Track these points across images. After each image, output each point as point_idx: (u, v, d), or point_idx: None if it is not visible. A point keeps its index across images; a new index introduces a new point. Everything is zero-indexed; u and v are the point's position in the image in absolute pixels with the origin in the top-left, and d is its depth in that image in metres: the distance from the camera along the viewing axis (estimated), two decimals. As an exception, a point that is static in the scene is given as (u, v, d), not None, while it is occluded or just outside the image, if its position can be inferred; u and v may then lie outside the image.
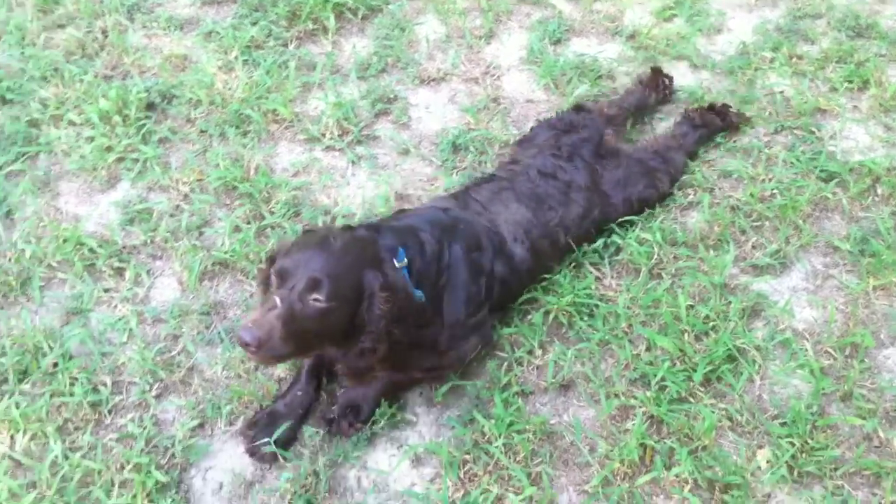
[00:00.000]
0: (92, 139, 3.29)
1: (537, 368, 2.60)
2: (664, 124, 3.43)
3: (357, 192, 3.14)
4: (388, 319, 2.19)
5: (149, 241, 2.98)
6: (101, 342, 2.70)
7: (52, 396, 2.54)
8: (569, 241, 2.79)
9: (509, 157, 3.11)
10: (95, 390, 2.56)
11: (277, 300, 2.11)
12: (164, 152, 3.30)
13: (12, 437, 2.46)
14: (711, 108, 3.34)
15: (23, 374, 2.61)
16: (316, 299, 2.11)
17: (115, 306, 2.80)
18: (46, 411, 2.51)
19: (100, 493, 2.32)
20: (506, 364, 2.60)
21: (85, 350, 2.68)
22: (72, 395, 2.54)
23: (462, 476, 2.36)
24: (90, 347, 2.67)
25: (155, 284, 2.87)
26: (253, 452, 2.42)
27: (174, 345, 2.70)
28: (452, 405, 2.54)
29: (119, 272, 2.90)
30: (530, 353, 2.63)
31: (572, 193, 2.82)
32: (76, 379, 2.58)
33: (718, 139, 3.32)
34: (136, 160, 3.24)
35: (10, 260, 2.93)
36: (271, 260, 2.26)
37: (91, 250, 2.92)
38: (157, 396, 2.57)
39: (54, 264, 2.91)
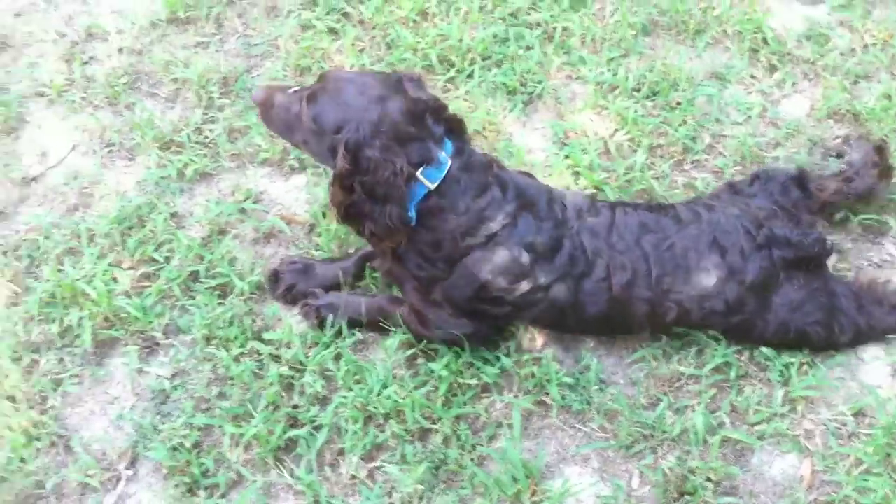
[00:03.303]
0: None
1: None
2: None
3: None
4: (340, 178, 2.15)
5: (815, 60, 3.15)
6: (722, 111, 3.00)
7: (661, 123, 2.95)
8: (673, 322, 2.36)
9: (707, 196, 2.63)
10: (694, 140, 2.91)
11: (293, 89, 2.28)
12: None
13: (615, 131, 2.94)
14: None
15: (653, 95, 3.04)
16: (305, 110, 2.19)
17: (751, 93, 3.07)
18: (650, 130, 2.93)
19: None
20: None
21: (706, 107, 3.02)
22: (676, 131, 2.92)
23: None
24: (711, 107, 3.01)
25: (791, 96, 3.06)
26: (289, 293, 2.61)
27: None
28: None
29: (771, 70, 3.13)
30: None
31: (728, 284, 2.31)
32: (684, 122, 2.95)
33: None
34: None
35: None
36: None
37: (765, 40, 3.18)
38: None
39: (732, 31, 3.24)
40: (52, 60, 3.26)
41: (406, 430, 2.32)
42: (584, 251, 2.28)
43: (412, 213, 2.19)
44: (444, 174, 2.19)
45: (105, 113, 3.09)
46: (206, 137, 2.99)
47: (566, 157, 2.86)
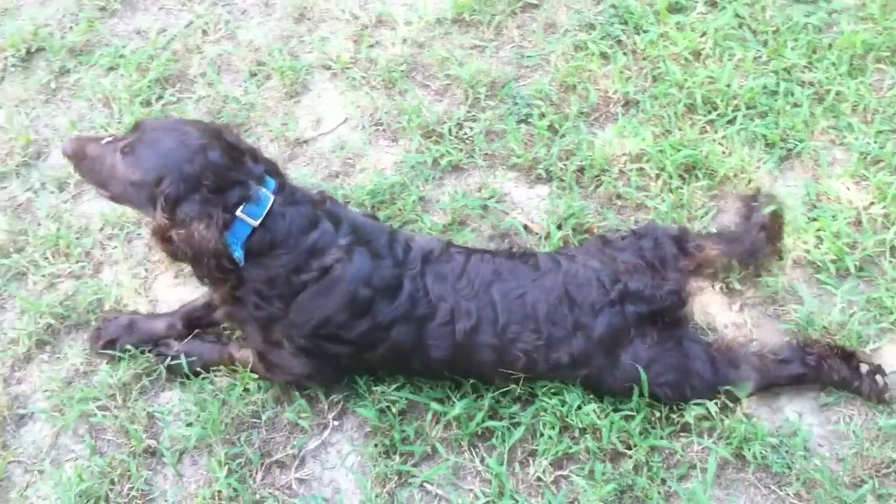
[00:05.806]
0: None
1: None
2: None
3: None
4: (158, 232, 2.13)
5: None
6: None
7: None
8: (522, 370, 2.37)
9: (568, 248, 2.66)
10: None
11: (106, 140, 2.20)
12: None
13: (871, 204, 2.84)
14: (844, 353, 2.43)
15: None
16: (121, 162, 2.13)
17: None
18: None
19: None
20: None
21: None
22: None
23: None
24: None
25: None
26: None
27: None
28: None
29: None
30: None
31: (575, 337, 2.32)
32: None
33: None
34: None
35: None
36: None
37: None
38: None
39: None
40: (342, 38, 3.55)
41: (599, 448, 2.37)
42: (427, 294, 2.30)
43: (239, 254, 2.17)
44: (266, 210, 2.16)
45: (379, 94, 3.34)
46: (465, 134, 3.17)
47: (814, 219, 2.80)
